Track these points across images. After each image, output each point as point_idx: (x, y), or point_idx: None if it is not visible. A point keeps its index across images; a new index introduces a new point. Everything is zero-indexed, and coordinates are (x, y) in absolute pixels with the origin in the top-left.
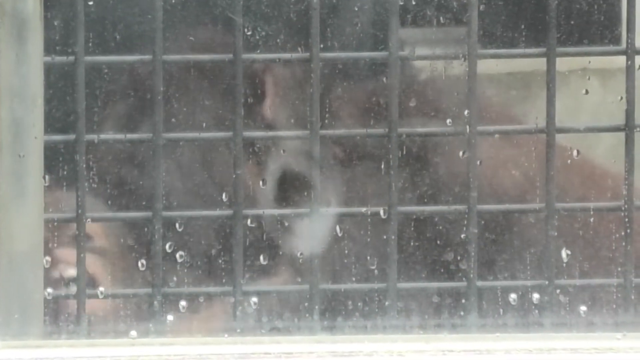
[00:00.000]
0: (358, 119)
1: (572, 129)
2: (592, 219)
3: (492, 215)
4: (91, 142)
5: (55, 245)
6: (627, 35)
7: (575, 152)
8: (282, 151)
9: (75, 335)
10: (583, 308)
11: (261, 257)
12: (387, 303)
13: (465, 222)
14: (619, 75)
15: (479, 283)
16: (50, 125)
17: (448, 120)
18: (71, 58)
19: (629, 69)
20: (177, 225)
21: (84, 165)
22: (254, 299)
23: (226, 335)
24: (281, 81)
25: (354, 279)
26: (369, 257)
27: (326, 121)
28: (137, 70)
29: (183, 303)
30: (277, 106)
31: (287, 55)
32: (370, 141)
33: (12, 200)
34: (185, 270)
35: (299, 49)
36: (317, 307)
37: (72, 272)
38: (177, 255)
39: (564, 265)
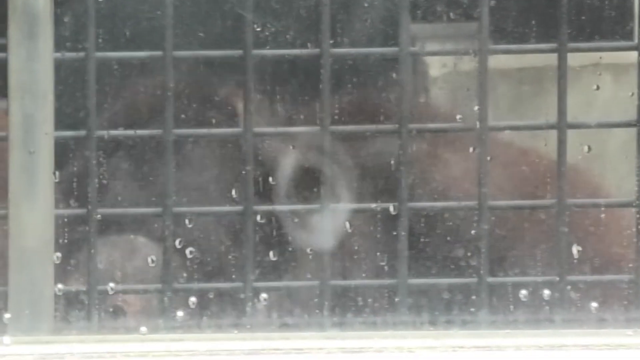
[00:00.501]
0: (368, 115)
1: (584, 125)
2: (603, 215)
3: (503, 212)
4: (101, 137)
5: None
6: (639, 31)
7: (586, 148)
8: (291, 147)
9: (86, 331)
10: (594, 304)
11: (271, 253)
12: (397, 299)
13: (477, 218)
14: (631, 71)
15: (490, 279)
16: (61, 121)
17: (458, 117)
18: (82, 54)
19: None
20: (187, 221)
21: (95, 161)
22: (264, 295)
23: (236, 331)
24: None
25: (364, 275)
26: (378, 253)
27: (336, 117)
28: (147, 66)
29: (193, 299)
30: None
31: (297, 51)
32: (381, 137)
33: (23, 196)
34: (195, 267)
35: (309, 44)
36: (327, 303)
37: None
38: (187, 251)
39: (575, 261)
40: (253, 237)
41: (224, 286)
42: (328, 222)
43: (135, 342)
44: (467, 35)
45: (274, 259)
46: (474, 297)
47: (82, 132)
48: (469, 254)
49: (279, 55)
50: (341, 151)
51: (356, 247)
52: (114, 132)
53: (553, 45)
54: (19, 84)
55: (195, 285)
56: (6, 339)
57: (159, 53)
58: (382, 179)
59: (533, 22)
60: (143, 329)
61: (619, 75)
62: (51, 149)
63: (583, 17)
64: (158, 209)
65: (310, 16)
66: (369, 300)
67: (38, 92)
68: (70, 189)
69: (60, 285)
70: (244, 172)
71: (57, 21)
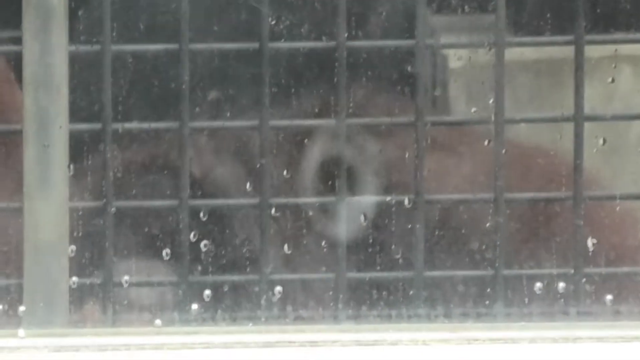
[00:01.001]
0: (385, 107)
1: (600, 117)
2: (618, 208)
3: (519, 204)
4: (115, 131)
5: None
6: None
7: (601, 141)
8: (306, 140)
9: (100, 324)
10: (609, 297)
11: (286, 246)
12: (412, 292)
13: (492, 211)
14: None
15: (505, 272)
16: (76, 114)
17: (473, 109)
18: (96, 47)
19: None
20: (201, 214)
21: (110, 155)
22: (279, 288)
23: (251, 324)
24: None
25: (379, 267)
26: (394, 246)
27: (352, 110)
28: (162, 59)
29: (208, 292)
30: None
31: (313, 44)
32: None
33: (37, 189)
34: (210, 260)
35: (324, 37)
36: (341, 295)
37: None
38: (202, 244)
39: (590, 254)
40: (269, 229)
41: (240, 279)
42: (344, 215)
43: (150, 335)
44: (484, 28)
45: (290, 252)
46: (489, 290)
47: (97, 125)
48: (484, 246)
49: (295, 48)
50: (357, 143)
51: (372, 240)
52: (128, 125)
53: (570, 37)
54: (33, 77)
55: (211, 278)
56: (21, 331)
57: (175, 46)
58: (399, 172)
59: (549, 14)
60: (158, 321)
61: (636, 67)
62: (66, 142)
63: (600, 10)
64: (174, 202)
65: (326, 9)
66: (384, 293)
67: (52, 86)
68: (85, 182)
69: (74, 278)
70: (259, 165)
71: (72, 14)
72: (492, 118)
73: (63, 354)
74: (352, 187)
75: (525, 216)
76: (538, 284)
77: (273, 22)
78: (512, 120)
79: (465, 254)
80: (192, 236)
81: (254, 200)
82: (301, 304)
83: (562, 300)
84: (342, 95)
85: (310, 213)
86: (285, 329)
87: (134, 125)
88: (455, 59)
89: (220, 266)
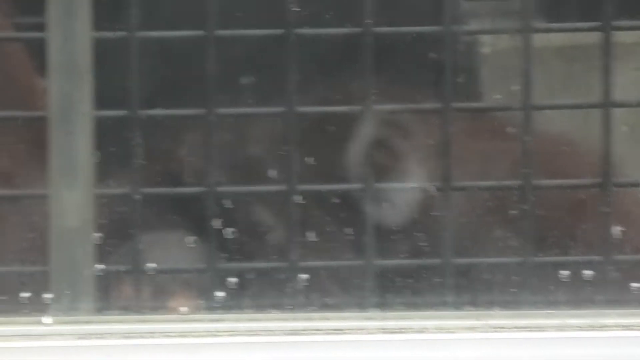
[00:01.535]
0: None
1: (627, 103)
2: None
3: (546, 191)
4: (141, 117)
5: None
6: None
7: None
8: (332, 127)
9: (126, 311)
10: (636, 284)
11: (314, 233)
12: (438, 279)
13: (519, 198)
14: None
15: (532, 259)
16: (101, 101)
17: (496, 96)
18: (121, 33)
19: None
20: (226, 201)
21: (135, 141)
22: (304, 275)
23: (276, 312)
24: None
25: (405, 255)
26: (420, 233)
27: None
28: (188, 45)
29: (233, 279)
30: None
31: (338, 30)
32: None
33: (63, 176)
34: (236, 247)
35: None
36: (368, 283)
37: None
38: (229, 231)
39: (618, 241)
40: (295, 216)
41: (268, 266)
42: (370, 202)
43: (176, 322)
44: (511, 13)
45: (317, 239)
46: (515, 277)
47: (122, 112)
48: (510, 234)
49: (321, 34)
50: (385, 130)
51: (398, 227)
52: (154, 112)
53: (597, 23)
54: (57, 63)
55: (238, 265)
56: (47, 318)
57: (201, 32)
58: (427, 159)
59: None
60: (183, 308)
61: None
62: (90, 129)
63: None
64: (202, 189)
65: None
66: (410, 280)
67: (76, 72)
68: (110, 168)
69: (100, 265)
70: (284, 152)
71: (96, 0)
72: (519, 104)
73: (89, 341)
74: (379, 173)
75: (552, 203)
76: (564, 272)
77: (298, 9)
78: (539, 106)
79: (492, 241)
80: (218, 223)
81: (281, 187)
82: (327, 291)
83: (589, 287)
84: (369, 82)
85: (337, 200)
86: (310, 316)
87: (159, 112)
88: (484, 44)
89: (246, 253)
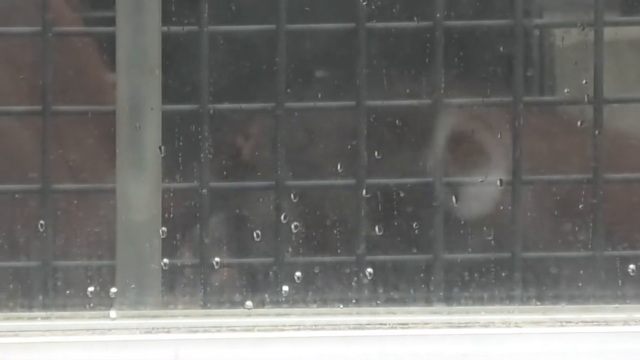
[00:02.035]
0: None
1: None
2: None
3: (616, 185)
4: (209, 112)
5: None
6: None
7: None
8: (397, 121)
9: (192, 306)
10: None
11: (377, 228)
12: (504, 274)
13: (588, 192)
14: None
15: (601, 253)
16: (169, 95)
17: (565, 90)
18: (191, 28)
19: None
20: (293, 195)
21: (203, 136)
22: (370, 270)
23: (341, 306)
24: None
25: (471, 249)
26: (486, 228)
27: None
28: (258, 39)
29: (298, 274)
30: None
31: (408, 24)
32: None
33: (130, 170)
34: (301, 241)
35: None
36: (434, 277)
37: None
38: (293, 226)
39: None
40: (362, 210)
41: (334, 260)
42: (438, 196)
43: (241, 316)
44: (583, 7)
45: (381, 232)
46: (581, 272)
47: (191, 106)
48: (577, 228)
49: (391, 27)
50: (454, 124)
51: (466, 221)
52: (222, 106)
53: None
54: (126, 58)
55: (303, 259)
56: (113, 312)
57: (271, 26)
58: (496, 152)
59: None
60: (248, 303)
61: None
62: (158, 123)
63: None
64: (271, 183)
65: None
66: (476, 274)
67: (145, 66)
68: (178, 163)
69: (166, 260)
70: (351, 146)
71: None
72: (589, 98)
73: (154, 335)
74: (448, 167)
75: (621, 197)
76: (632, 266)
77: (368, 3)
78: (609, 100)
79: (560, 235)
80: (284, 217)
81: (350, 181)
82: (392, 285)
83: None
84: (439, 76)
85: (404, 194)
86: (376, 310)
87: (228, 106)
88: (555, 38)
89: (312, 247)
